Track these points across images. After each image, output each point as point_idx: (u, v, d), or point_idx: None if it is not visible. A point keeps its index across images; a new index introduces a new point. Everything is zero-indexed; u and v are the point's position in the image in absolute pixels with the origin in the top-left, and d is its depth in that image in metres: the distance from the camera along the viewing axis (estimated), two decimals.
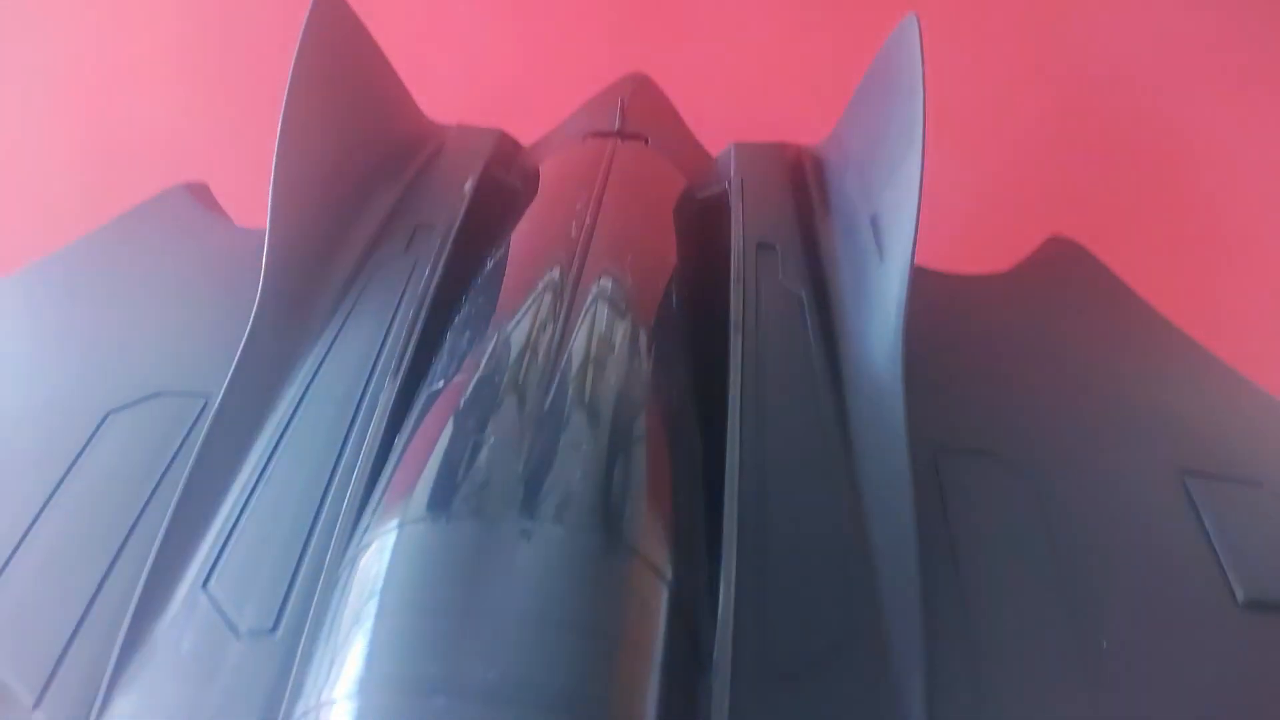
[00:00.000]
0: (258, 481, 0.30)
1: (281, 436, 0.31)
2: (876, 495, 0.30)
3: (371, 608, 0.23)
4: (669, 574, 0.25)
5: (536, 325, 0.30)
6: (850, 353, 0.34)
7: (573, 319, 0.30)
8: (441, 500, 0.24)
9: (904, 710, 0.26)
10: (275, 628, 0.26)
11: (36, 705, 0.26)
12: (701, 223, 0.40)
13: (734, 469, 0.29)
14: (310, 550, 0.28)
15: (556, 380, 0.28)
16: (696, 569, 0.26)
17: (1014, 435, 0.33)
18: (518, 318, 0.31)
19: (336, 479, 0.29)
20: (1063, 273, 0.43)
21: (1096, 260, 0.43)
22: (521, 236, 0.37)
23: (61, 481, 0.31)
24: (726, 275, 0.36)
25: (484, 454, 0.25)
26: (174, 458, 0.32)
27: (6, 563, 0.29)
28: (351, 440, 0.30)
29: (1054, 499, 0.31)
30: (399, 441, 0.29)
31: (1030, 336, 0.39)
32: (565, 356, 0.29)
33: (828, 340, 0.34)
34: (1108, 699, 0.26)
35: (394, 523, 0.24)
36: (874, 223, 0.36)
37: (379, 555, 0.24)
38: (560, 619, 0.22)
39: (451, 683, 0.21)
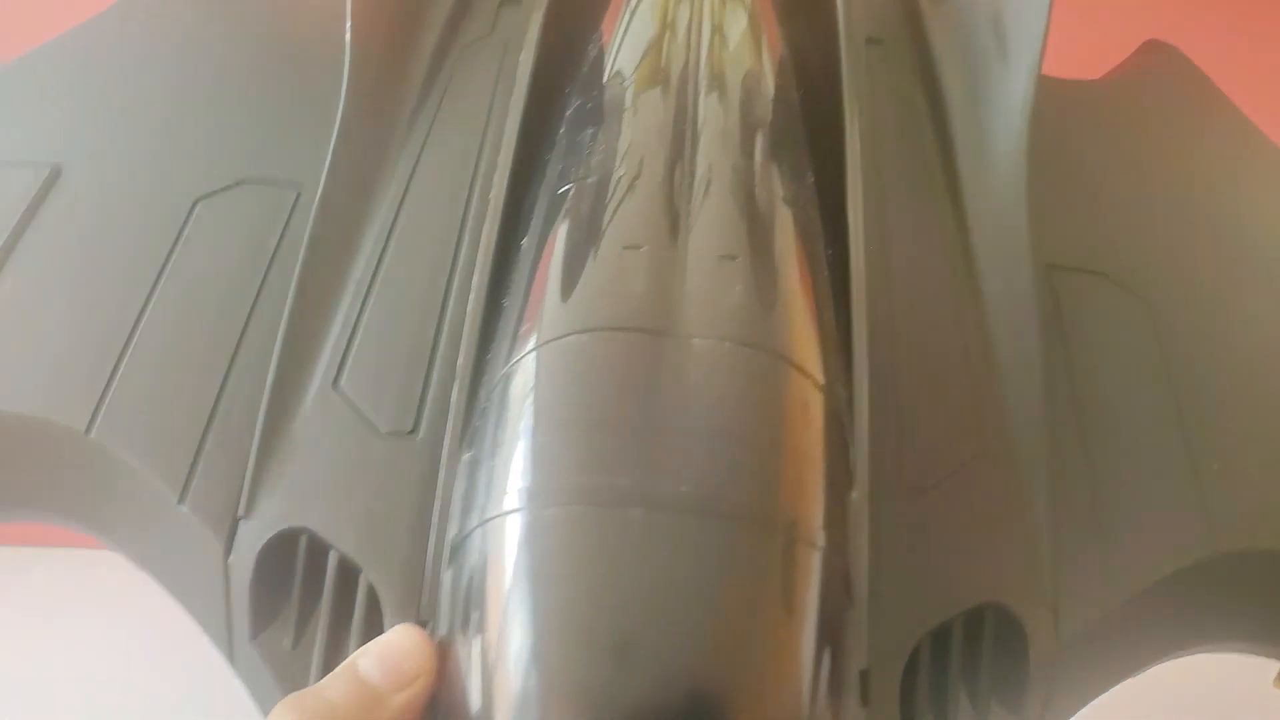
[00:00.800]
0: (372, 281, 0.29)
1: (389, 235, 0.30)
2: (1000, 309, 0.30)
3: (546, 420, 0.23)
4: (831, 391, 0.25)
5: (666, 125, 0.29)
6: (968, 159, 0.33)
7: (700, 117, 0.29)
8: (607, 312, 0.24)
9: (1030, 520, 0.27)
10: (415, 429, 0.26)
11: (181, 500, 0.26)
12: (805, 14, 0.38)
13: (860, 284, 0.28)
14: (440, 352, 0.28)
15: (699, 185, 0.27)
16: (843, 386, 0.26)
17: (1125, 256, 0.33)
18: (644, 116, 0.29)
19: (456, 280, 0.29)
20: (1161, 80, 0.41)
21: (1195, 68, 0.41)
22: (627, 30, 0.34)
23: (162, 273, 0.30)
24: (833, 72, 0.34)
25: (640, 264, 0.25)
26: (276, 251, 0.31)
27: (121, 358, 0.29)
28: (466, 240, 0.30)
29: (1167, 322, 0.31)
30: (528, 244, 0.28)
31: (1132, 149, 0.38)
32: (702, 157, 0.28)
33: (944, 144, 0.33)
34: (1218, 520, 0.28)
35: (559, 333, 0.24)
36: (995, 21, 0.34)
37: (547, 365, 0.24)
38: (742, 435, 0.22)
39: (646, 495, 0.21)
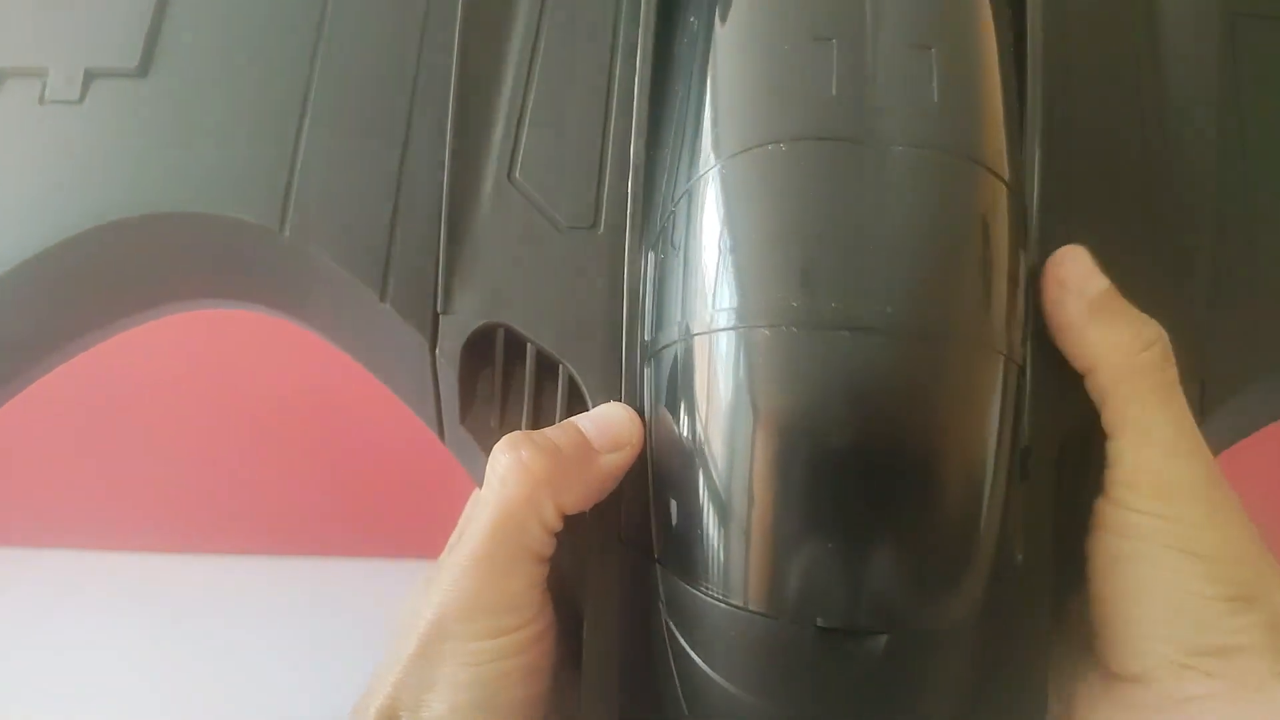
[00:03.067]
0: (531, 62, 0.29)
1: (541, 11, 0.29)
2: (1177, 56, 0.29)
3: (747, 236, 0.23)
4: (1017, 189, 0.25)
5: None
6: None
7: None
8: (803, 120, 0.23)
9: (1189, 292, 0.27)
10: (595, 223, 0.27)
11: (383, 299, 0.28)
12: None
13: (1037, 65, 0.27)
14: (611, 140, 0.28)
15: None
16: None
17: None
18: None
19: (619, 61, 0.28)
20: None
21: None
22: None
23: (314, 59, 0.30)
24: None
25: (831, 58, 0.24)
26: (424, 25, 0.30)
27: (296, 151, 0.29)
28: (624, 13, 0.29)
29: None
30: (696, 22, 0.27)
31: None
32: None
33: None
34: None
35: (753, 142, 0.23)
36: None
37: (743, 177, 0.24)
38: (945, 249, 0.23)
39: (852, 318, 0.22)
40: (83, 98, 0.30)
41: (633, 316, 0.26)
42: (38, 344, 0.31)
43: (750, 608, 0.23)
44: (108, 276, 0.30)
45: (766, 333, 0.22)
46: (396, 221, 0.28)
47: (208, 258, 0.30)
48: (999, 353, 0.23)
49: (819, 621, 0.22)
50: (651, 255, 0.26)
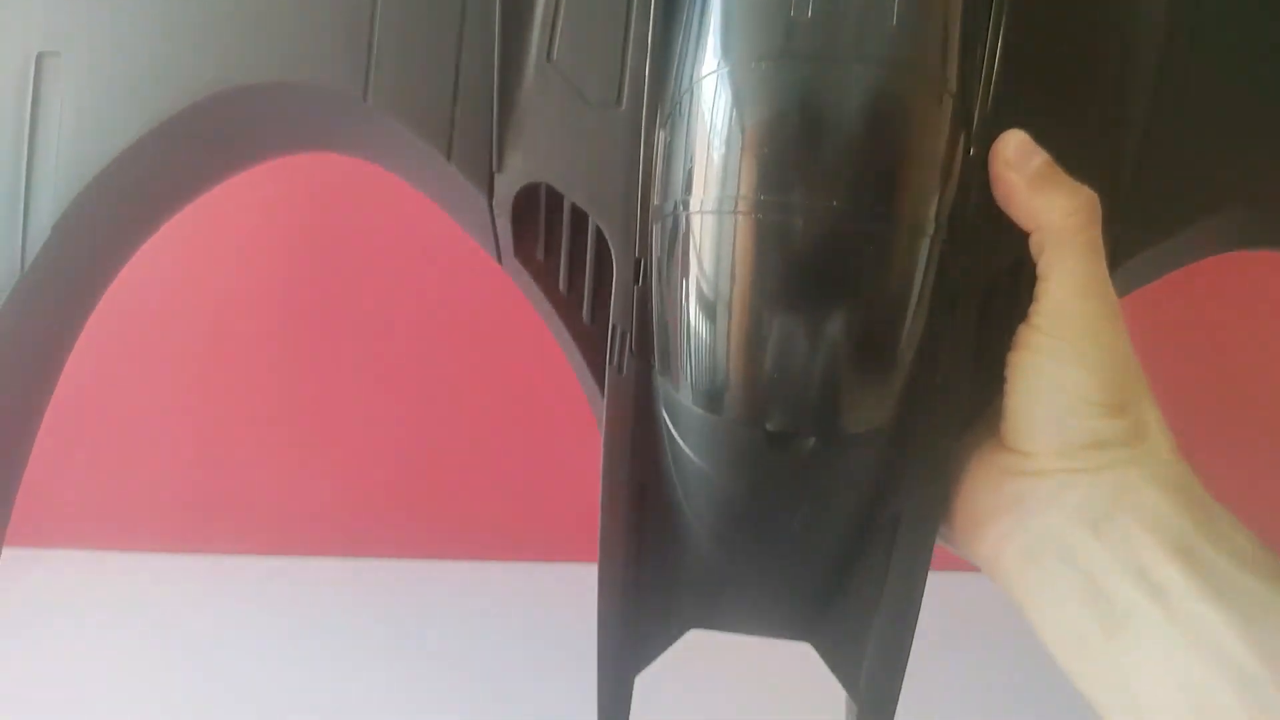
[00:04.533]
0: None
1: None
2: None
3: (730, 133, 0.28)
4: (968, 104, 0.30)
5: None
6: None
7: None
8: (786, 41, 0.28)
9: (1116, 164, 0.32)
10: (619, 101, 0.32)
11: (449, 159, 0.34)
12: None
13: None
14: (632, 29, 0.32)
15: None
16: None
17: None
18: None
19: None
20: None
21: None
22: None
23: None
24: None
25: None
26: None
27: (373, 26, 0.33)
28: None
29: None
30: None
31: None
32: None
33: None
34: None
35: (742, 59, 0.28)
36: None
37: (733, 87, 0.28)
38: (882, 151, 0.28)
39: (806, 209, 0.28)
40: None
41: (646, 184, 0.32)
42: (164, 197, 0.36)
43: (719, 414, 0.30)
44: (218, 138, 0.35)
45: (739, 218, 0.28)
46: (458, 94, 0.33)
47: (300, 119, 0.36)
48: (923, 232, 0.29)
49: (767, 426, 0.30)
50: (662, 134, 0.31)
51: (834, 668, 0.34)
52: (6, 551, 0.70)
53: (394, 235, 0.64)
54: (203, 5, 0.34)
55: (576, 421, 0.66)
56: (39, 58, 0.34)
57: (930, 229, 0.29)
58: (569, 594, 0.67)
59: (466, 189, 0.34)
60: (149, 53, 0.34)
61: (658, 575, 0.34)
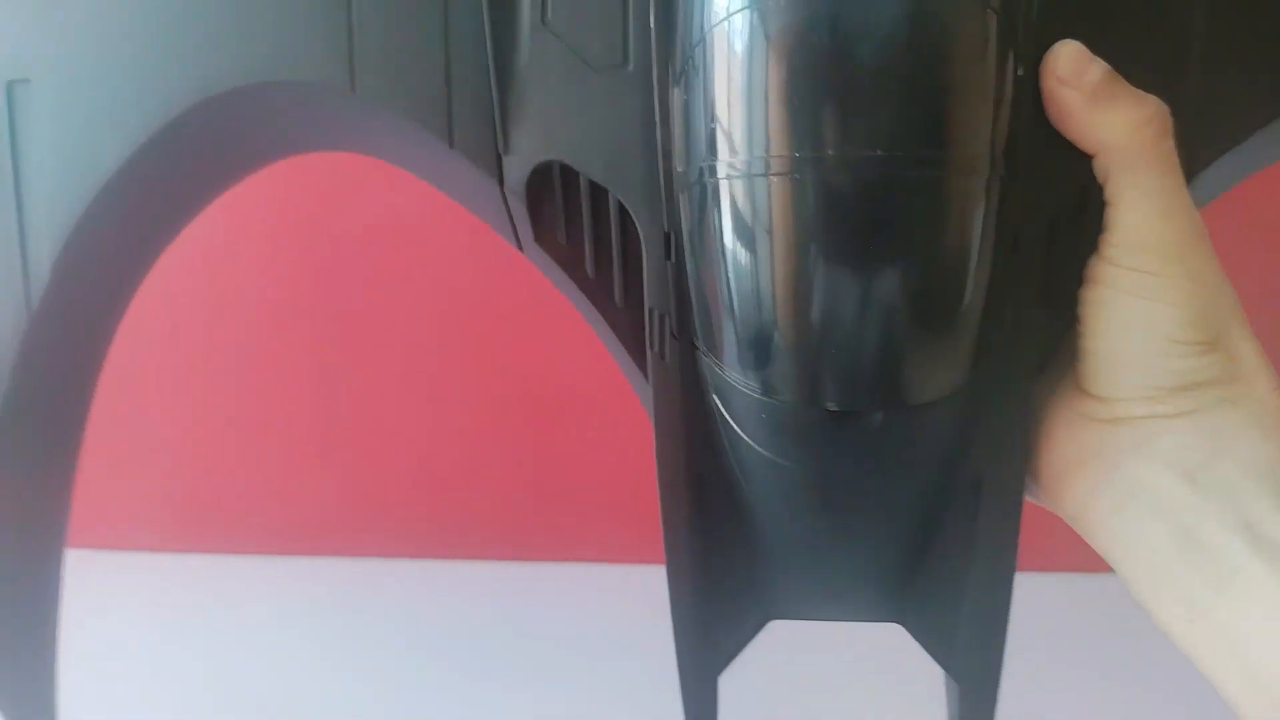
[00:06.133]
0: None
1: None
2: None
3: (755, 86, 0.25)
4: (1013, 19, 0.26)
5: None
6: None
7: None
8: None
9: (1182, 69, 0.29)
10: (625, 61, 0.29)
11: (451, 145, 0.31)
12: None
13: None
14: None
15: None
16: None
17: None
18: None
19: None
20: None
21: None
22: None
23: None
24: None
25: None
26: None
27: (350, 12, 0.30)
28: None
29: None
30: None
31: None
32: None
33: None
34: None
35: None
36: None
37: (752, 31, 0.25)
38: (927, 89, 0.25)
39: (848, 160, 0.25)
40: None
41: (666, 150, 0.29)
42: (162, 218, 0.34)
43: (774, 397, 0.28)
44: (208, 150, 0.33)
45: (773, 181, 0.25)
46: (451, 72, 0.30)
47: (290, 120, 0.33)
48: (977, 172, 0.26)
49: (829, 405, 0.27)
50: (677, 92, 0.28)
51: (928, 647, 0.32)
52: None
53: (399, 227, 0.63)
54: (172, 14, 0.32)
55: (576, 422, 0.67)
56: (8, 86, 0.32)
57: (985, 167, 0.26)
58: (571, 594, 0.68)
59: (475, 176, 0.31)
60: (123, 69, 0.32)
61: (728, 568, 0.32)
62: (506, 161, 0.31)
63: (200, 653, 0.65)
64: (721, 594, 0.32)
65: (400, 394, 0.68)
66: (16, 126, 0.32)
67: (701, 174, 0.27)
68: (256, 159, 0.36)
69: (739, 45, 0.26)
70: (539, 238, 0.31)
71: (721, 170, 0.26)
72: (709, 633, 0.32)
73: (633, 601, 0.63)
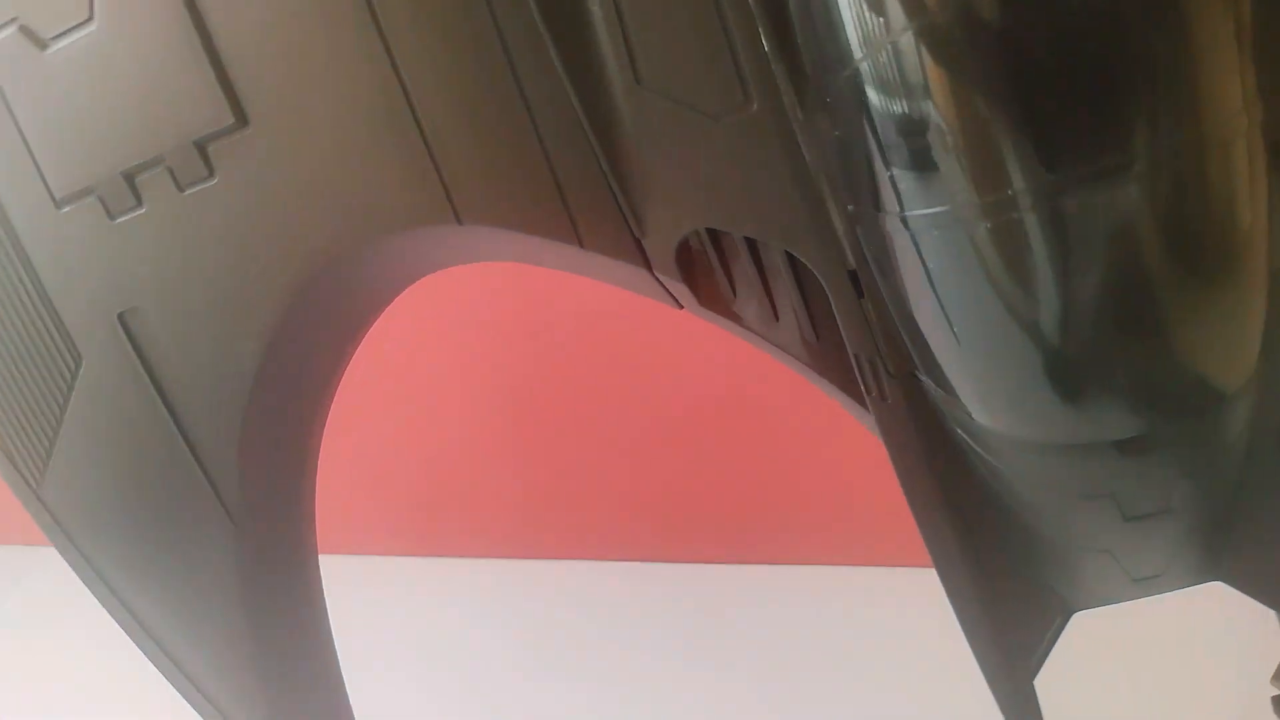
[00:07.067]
0: None
1: None
2: None
3: (947, 118, 0.21)
4: None
5: None
6: None
7: None
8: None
9: None
10: (748, 102, 0.25)
11: (582, 245, 0.28)
12: None
13: None
14: (728, 13, 0.25)
15: None
16: None
17: None
18: None
19: None
20: None
21: None
22: None
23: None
24: None
25: None
26: None
27: (421, 131, 0.28)
28: None
29: None
30: None
31: None
32: None
33: None
34: None
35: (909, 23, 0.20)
36: None
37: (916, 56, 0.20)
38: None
39: (1085, 180, 0.21)
40: (214, 174, 0.30)
41: (831, 187, 0.25)
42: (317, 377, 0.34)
43: (1046, 440, 0.24)
44: (339, 304, 0.32)
45: (989, 224, 0.21)
46: (555, 170, 0.27)
47: (412, 263, 0.32)
48: (1237, 132, 0.21)
49: (1113, 437, 0.24)
50: (823, 120, 0.24)
51: (1255, 592, 0.29)
52: (6, 551, 0.69)
53: None
54: (263, 219, 0.30)
55: (579, 422, 0.65)
56: (121, 317, 0.31)
57: (1243, 123, 0.21)
58: (574, 594, 0.67)
59: (618, 265, 0.29)
60: (225, 276, 0.30)
61: (1010, 580, 0.30)
62: (647, 244, 0.27)
63: None
64: (1009, 603, 0.30)
65: (401, 395, 0.66)
66: (144, 352, 0.31)
67: (884, 214, 0.23)
68: (383, 304, 0.34)
69: (909, 60, 0.21)
70: (703, 302, 0.28)
71: (912, 206, 0.22)
72: (1006, 645, 0.30)
73: (633, 602, 0.64)
